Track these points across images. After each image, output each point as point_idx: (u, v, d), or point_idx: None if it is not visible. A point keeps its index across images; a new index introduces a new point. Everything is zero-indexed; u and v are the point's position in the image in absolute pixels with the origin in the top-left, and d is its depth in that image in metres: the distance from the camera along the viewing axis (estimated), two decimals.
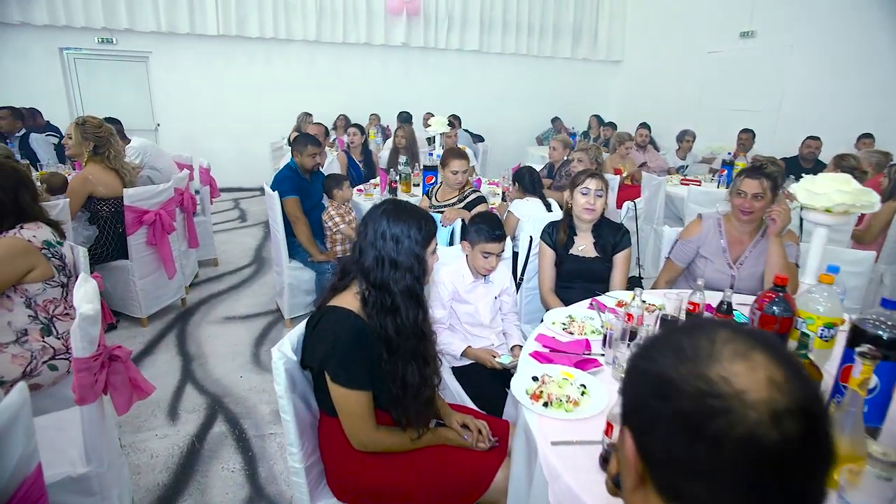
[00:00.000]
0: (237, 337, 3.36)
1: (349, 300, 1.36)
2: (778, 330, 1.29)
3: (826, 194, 1.32)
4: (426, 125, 7.46)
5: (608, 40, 9.07)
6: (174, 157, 4.54)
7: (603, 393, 1.40)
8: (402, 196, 3.97)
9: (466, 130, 6.86)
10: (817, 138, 5.54)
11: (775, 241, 2.19)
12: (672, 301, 1.83)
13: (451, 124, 4.59)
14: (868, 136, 5.27)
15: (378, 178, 4.23)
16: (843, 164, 4.12)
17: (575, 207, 2.38)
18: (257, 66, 7.53)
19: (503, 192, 3.98)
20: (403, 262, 1.35)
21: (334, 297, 1.40)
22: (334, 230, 3.35)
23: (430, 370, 1.44)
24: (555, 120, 8.62)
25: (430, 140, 4.47)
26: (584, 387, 1.43)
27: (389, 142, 5.48)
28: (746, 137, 5.88)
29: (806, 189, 1.38)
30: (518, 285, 2.62)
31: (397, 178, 4.11)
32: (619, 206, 4.09)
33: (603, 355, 1.65)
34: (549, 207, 3.21)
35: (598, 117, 8.35)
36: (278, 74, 7.64)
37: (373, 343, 1.33)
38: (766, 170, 2.24)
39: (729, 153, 5.18)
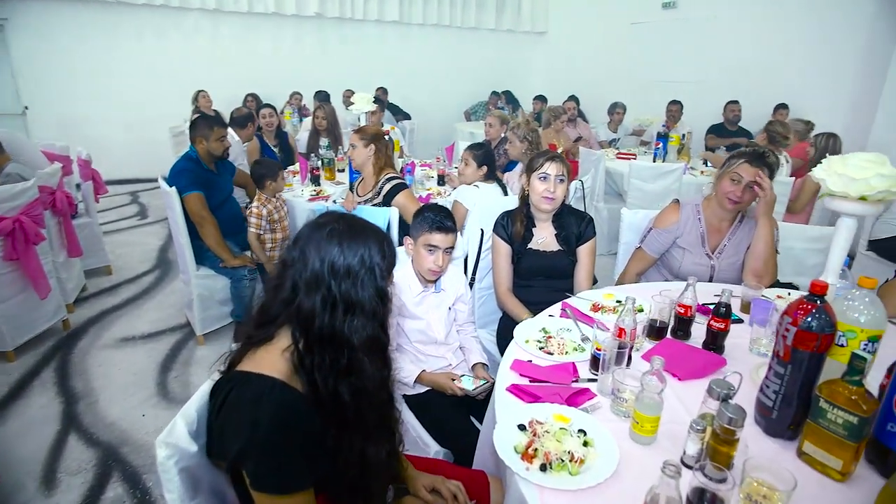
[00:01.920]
0: (138, 363, 2.80)
1: (273, 362, 0.94)
2: (818, 349, 1.05)
3: (864, 180, 1.08)
4: (348, 104, 6.92)
5: (532, 11, 8.83)
6: (44, 147, 3.76)
7: (609, 442, 1.10)
8: (325, 185, 3.50)
9: (392, 105, 6.37)
10: (737, 102, 5.67)
11: (766, 223, 2.00)
12: (658, 302, 1.58)
13: (377, 100, 4.13)
14: (783, 106, 5.41)
15: (297, 164, 3.72)
16: (770, 129, 4.14)
17: (532, 195, 2.07)
18: (148, 38, 6.56)
19: (439, 176, 3.61)
20: (365, 304, 0.97)
21: (250, 354, 0.97)
22: (262, 227, 2.86)
23: (398, 439, 1.08)
24: (494, 94, 8.28)
25: (358, 120, 4.00)
26: (584, 433, 1.13)
27: (308, 123, 4.92)
28: (675, 109, 5.88)
29: (838, 174, 1.13)
30: (469, 286, 2.30)
31: (319, 164, 3.63)
32: None
33: (594, 380, 1.36)
34: (505, 191, 2.88)
35: (506, 93, 8.15)
36: (175, 48, 6.71)
37: (313, 419, 0.94)
38: (768, 158, 2.02)
39: (664, 125, 5.12)
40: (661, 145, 4.75)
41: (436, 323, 1.80)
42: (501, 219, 2.15)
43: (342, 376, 0.95)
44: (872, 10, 4.93)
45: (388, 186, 2.68)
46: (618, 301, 1.83)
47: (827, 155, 3.98)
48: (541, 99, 7.36)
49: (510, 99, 8.44)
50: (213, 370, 1.00)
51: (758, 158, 2.01)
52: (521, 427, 1.15)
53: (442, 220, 1.70)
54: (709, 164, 4.61)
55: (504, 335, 2.17)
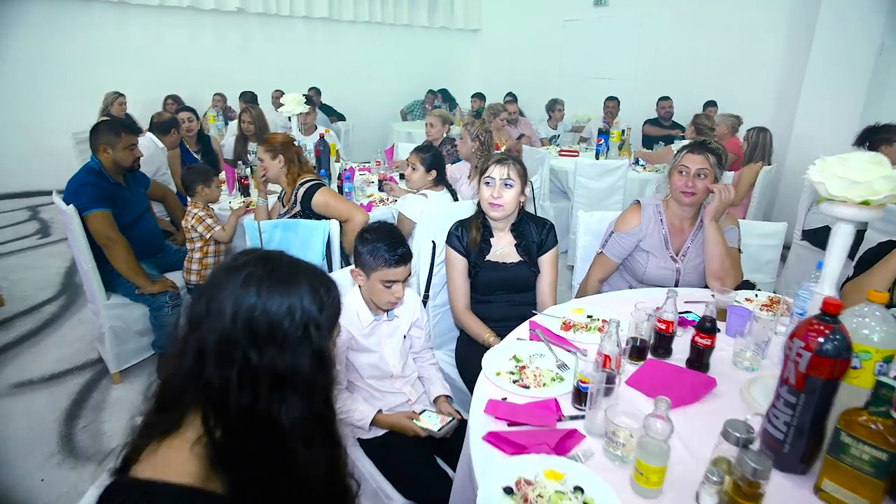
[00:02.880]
0: (37, 412, 2.39)
1: (181, 462, 0.68)
2: (834, 375, 0.93)
3: (868, 183, 0.97)
4: (277, 105, 6.48)
5: (465, 8, 8.72)
6: None
7: (611, 499, 0.94)
8: (256, 196, 3.16)
9: (325, 106, 6.03)
10: (668, 98, 5.80)
11: (712, 226, 1.93)
12: (636, 317, 1.44)
13: (309, 101, 3.82)
14: (712, 103, 5.56)
15: (223, 173, 3.37)
16: (697, 122, 4.22)
17: (481, 202, 1.90)
18: (41, 32, 5.83)
19: (380, 181, 3.37)
20: (299, 376, 0.73)
21: (151, 449, 0.70)
22: (203, 239, 2.53)
23: None
24: (430, 93, 8.06)
25: (289, 121, 3.68)
26: (582, 491, 0.96)
27: (233, 126, 4.52)
28: (612, 105, 5.93)
29: (838, 176, 1.02)
30: (422, 304, 2.09)
31: (248, 172, 3.29)
32: None
33: (580, 417, 1.20)
34: (455, 196, 2.68)
35: (442, 91, 7.97)
36: (76, 45, 6.00)
37: None
38: (710, 145, 1.95)
39: (604, 121, 5.11)
40: (602, 141, 4.74)
41: (390, 355, 1.58)
42: (455, 229, 1.96)
43: (275, 471, 0.71)
44: (790, 5, 5.14)
45: (301, 191, 2.42)
46: (589, 316, 1.68)
47: (758, 148, 4.09)
48: (479, 97, 7.24)
49: (446, 97, 8.28)
50: (105, 469, 0.73)
51: (698, 146, 1.96)
52: (508, 490, 0.96)
53: (398, 252, 1.48)
54: (640, 161, 4.63)
55: (463, 356, 1.99)
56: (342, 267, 2.32)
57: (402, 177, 3.78)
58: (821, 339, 0.94)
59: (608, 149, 4.67)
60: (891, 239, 1.87)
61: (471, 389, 1.89)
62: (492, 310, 1.96)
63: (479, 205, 1.94)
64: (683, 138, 5.26)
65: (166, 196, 3.07)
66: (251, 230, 2.14)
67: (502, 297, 1.96)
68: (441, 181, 2.64)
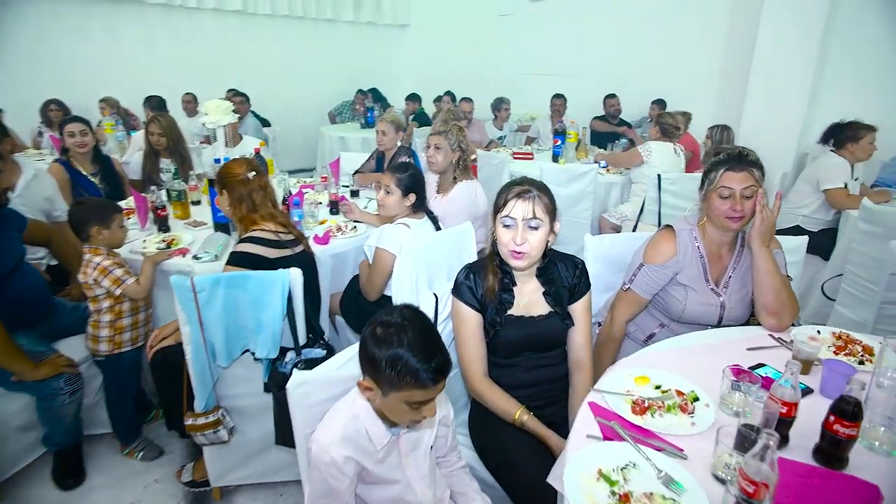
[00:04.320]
0: None
1: None
2: None
3: None
4: (191, 112, 5.65)
5: (393, 2, 8.20)
6: None
7: None
8: (179, 229, 2.53)
9: (253, 113, 5.31)
10: (614, 95, 5.68)
11: (763, 252, 1.62)
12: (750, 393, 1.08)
13: (235, 110, 3.19)
14: (660, 101, 5.47)
15: (132, 200, 2.69)
16: (661, 122, 4.04)
17: (499, 247, 1.46)
18: None
19: (331, 202, 2.84)
20: None
21: None
22: (112, 296, 1.91)
23: None
24: (360, 93, 7.44)
25: (212, 135, 3.04)
26: None
27: (138, 139, 3.77)
28: (559, 103, 5.71)
29: None
30: None
31: (165, 198, 2.65)
32: None
33: None
34: (437, 224, 2.21)
35: (373, 90, 7.43)
36: None
37: None
38: (749, 157, 1.63)
39: (560, 121, 4.83)
40: (560, 143, 4.46)
41: (417, 480, 1.12)
42: (465, 276, 1.51)
43: None
44: (730, 4, 5.12)
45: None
46: (657, 387, 1.30)
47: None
48: (414, 98, 6.80)
49: (378, 97, 7.73)
50: None
51: (738, 160, 1.63)
52: None
53: (434, 364, 1.01)
54: (602, 164, 4.39)
55: (480, 429, 1.56)
56: (309, 335, 1.80)
57: (354, 194, 3.27)
58: None
59: (564, 150, 4.39)
60: None
61: (497, 476, 1.48)
62: (512, 375, 1.54)
63: (493, 244, 1.51)
64: (632, 142, 5.14)
65: (51, 238, 2.36)
66: (181, 289, 1.57)
67: (527, 358, 1.54)
68: (421, 207, 2.18)
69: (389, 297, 2.04)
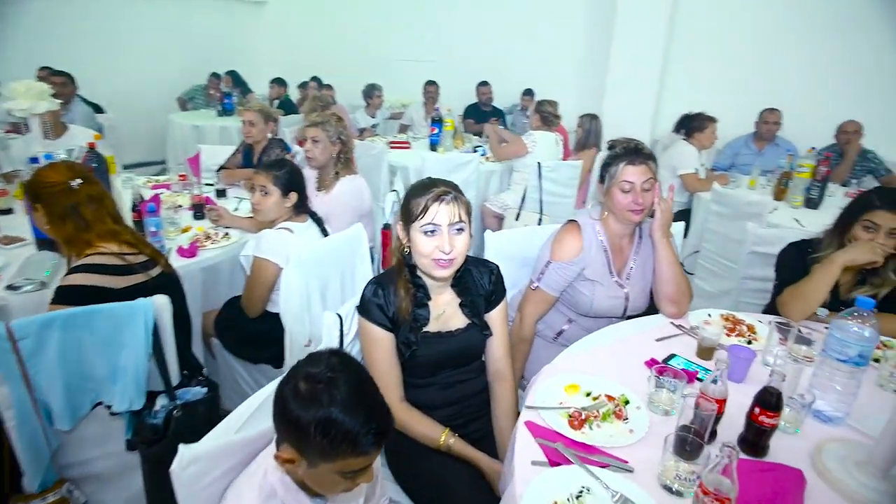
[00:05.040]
0: None
1: None
2: None
3: None
4: None
5: None
6: None
7: None
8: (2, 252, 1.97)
9: (81, 98, 4.43)
10: (487, 83, 5.76)
11: (664, 243, 1.68)
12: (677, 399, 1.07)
13: (56, 94, 2.59)
14: (529, 92, 5.65)
15: None
16: (541, 110, 4.16)
17: (417, 258, 1.31)
18: None
19: (195, 205, 2.44)
20: None
21: None
22: None
23: None
24: (214, 76, 6.64)
25: (23, 124, 2.42)
26: None
27: None
28: (433, 90, 5.64)
29: None
30: None
31: None
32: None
33: None
34: (324, 230, 1.97)
35: (232, 73, 6.76)
36: None
37: None
38: (644, 150, 1.66)
39: (437, 108, 4.74)
40: (437, 131, 4.40)
41: None
42: (372, 293, 1.34)
43: None
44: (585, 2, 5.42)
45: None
46: (588, 393, 1.26)
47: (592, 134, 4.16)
48: (279, 83, 6.28)
49: (237, 81, 7.01)
50: None
51: (635, 154, 1.66)
52: None
53: (374, 426, 0.82)
54: (482, 151, 4.41)
55: (404, 463, 1.41)
56: (183, 371, 1.49)
57: (220, 194, 2.87)
58: None
59: (442, 138, 4.34)
60: (802, 239, 1.86)
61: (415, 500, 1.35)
62: (432, 394, 1.42)
63: (402, 256, 1.35)
64: (503, 124, 5.25)
65: None
66: None
67: (444, 376, 1.42)
68: (303, 207, 1.93)
69: (276, 315, 1.79)
